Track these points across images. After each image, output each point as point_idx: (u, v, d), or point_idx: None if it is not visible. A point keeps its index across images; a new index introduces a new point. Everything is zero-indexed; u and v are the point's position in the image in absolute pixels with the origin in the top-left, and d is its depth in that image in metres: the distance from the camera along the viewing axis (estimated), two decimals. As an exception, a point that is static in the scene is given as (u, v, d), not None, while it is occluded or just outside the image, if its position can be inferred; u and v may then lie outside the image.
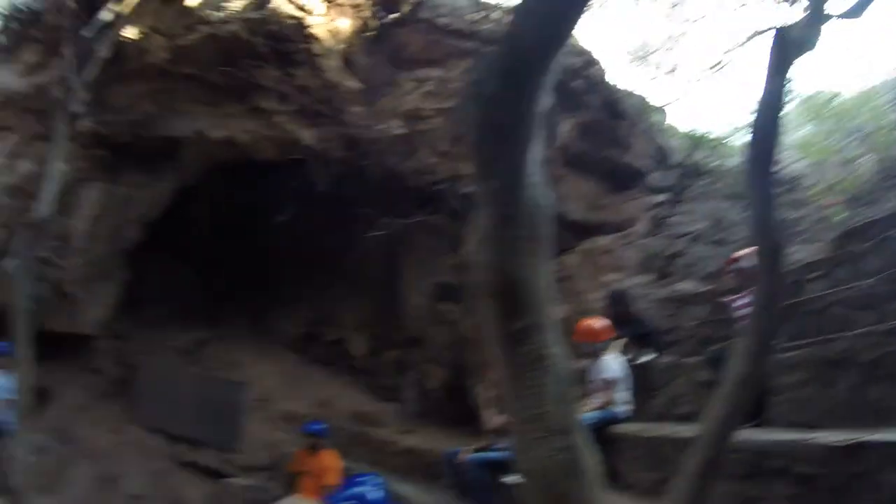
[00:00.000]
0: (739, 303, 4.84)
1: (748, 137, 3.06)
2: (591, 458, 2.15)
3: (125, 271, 8.40)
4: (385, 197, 8.62)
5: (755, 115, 2.58)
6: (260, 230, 9.74)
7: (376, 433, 8.22)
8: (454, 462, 5.71)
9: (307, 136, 8.27)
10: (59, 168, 6.80)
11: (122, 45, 7.54)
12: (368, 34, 8.55)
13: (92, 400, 8.04)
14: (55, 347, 7.83)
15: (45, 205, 6.53)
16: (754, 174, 2.51)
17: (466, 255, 8.92)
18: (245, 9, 7.92)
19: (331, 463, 6.32)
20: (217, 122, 8.15)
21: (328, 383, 9.21)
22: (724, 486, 2.67)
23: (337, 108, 8.33)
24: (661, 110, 10.78)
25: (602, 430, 4.90)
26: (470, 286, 7.94)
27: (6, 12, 10.72)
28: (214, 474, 7.51)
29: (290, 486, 6.47)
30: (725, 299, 5.46)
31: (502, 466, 5.23)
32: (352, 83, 8.40)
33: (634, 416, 5.34)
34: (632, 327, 6.42)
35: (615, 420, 5.22)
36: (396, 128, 8.47)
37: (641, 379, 5.66)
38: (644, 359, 6.14)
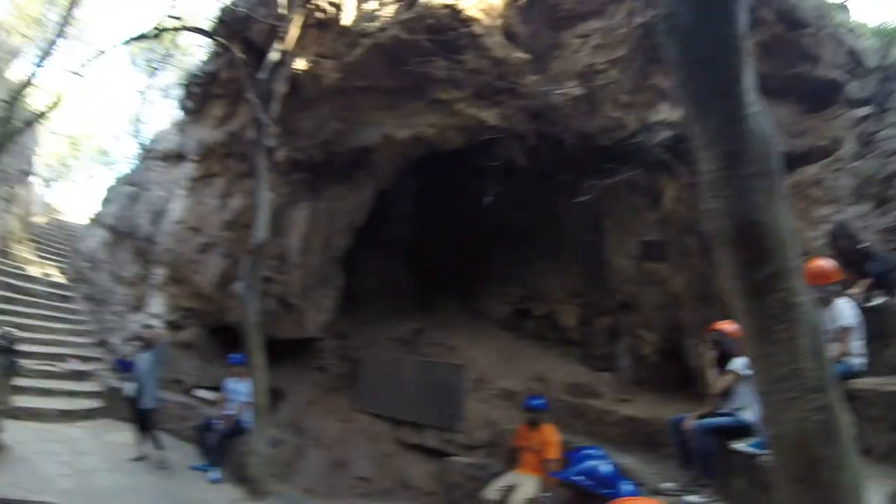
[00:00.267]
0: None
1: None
2: (845, 420, 2.00)
3: (340, 276, 9.32)
4: (578, 161, 8.19)
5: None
6: (462, 216, 9.95)
7: (592, 404, 7.95)
8: (679, 429, 5.39)
9: (489, 116, 8.14)
10: (266, 197, 7.79)
11: (296, 77, 8.27)
12: (520, 3, 8.05)
13: (321, 395, 9.18)
14: (284, 353, 9.14)
15: (260, 231, 7.53)
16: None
17: (667, 208, 8.39)
18: (398, 12, 8.04)
19: (551, 438, 6.38)
20: (401, 123, 8.47)
21: (542, 358, 9.12)
22: None
23: (511, 83, 8.03)
24: (843, 8, 8.50)
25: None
26: (699, 237, 7.37)
27: (187, 81, 12.76)
28: (436, 454, 8.05)
29: (511, 462, 6.69)
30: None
31: (730, 432, 5.06)
32: (519, 54, 8.01)
33: (869, 369, 4.85)
34: (860, 265, 5.77)
35: (851, 374, 4.70)
36: (574, 89, 7.91)
37: (874, 325, 5.09)
38: (876, 301, 5.59)
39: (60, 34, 9.50)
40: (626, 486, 2.28)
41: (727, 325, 5.41)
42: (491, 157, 8.33)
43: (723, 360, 5.43)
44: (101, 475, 7.12)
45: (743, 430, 5.00)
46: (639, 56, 7.58)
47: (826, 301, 4.91)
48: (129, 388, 7.77)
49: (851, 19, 8.63)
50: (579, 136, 8.07)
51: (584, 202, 7.93)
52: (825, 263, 5.15)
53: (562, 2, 7.95)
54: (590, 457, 2.44)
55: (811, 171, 7.27)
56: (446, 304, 10.00)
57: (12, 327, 8.24)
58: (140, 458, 7.74)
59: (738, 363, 5.16)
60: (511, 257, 9.92)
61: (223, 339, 9.81)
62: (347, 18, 8.18)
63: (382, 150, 8.63)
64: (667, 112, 7.73)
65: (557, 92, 7.90)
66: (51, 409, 8.95)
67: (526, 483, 6.19)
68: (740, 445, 4.79)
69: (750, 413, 4.99)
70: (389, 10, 8.08)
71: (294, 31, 8.02)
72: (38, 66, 9.04)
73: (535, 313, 9.93)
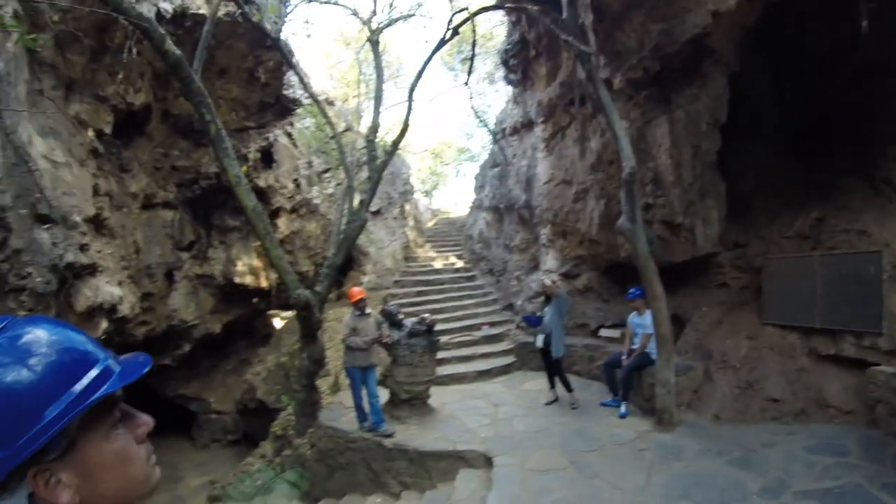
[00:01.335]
0: None
1: None
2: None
3: (721, 182, 8.50)
4: None
5: None
6: (836, 68, 8.04)
7: None
8: None
9: None
10: (620, 127, 7.61)
11: (595, 1, 7.79)
12: None
13: (725, 313, 8.47)
14: (682, 276, 8.78)
15: (628, 161, 7.38)
16: None
17: None
18: None
19: None
20: None
21: None
22: None
23: None
24: None
25: None
26: None
27: (503, 58, 12.99)
28: (857, 364, 6.75)
29: None
30: None
31: None
32: None
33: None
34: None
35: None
36: None
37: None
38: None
39: (379, 79, 10.95)
40: None
41: None
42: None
43: None
44: (517, 421, 7.98)
45: None
46: None
47: None
48: (537, 340, 8.47)
49: None
50: None
51: None
52: None
53: None
54: None
55: None
56: (844, 182, 8.14)
57: (428, 312, 9.67)
58: (552, 402, 8.49)
59: None
60: None
61: (619, 277, 10.02)
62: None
63: (715, 30, 7.48)
64: None
65: None
66: (470, 372, 10.52)
67: None
68: None
69: None
70: None
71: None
72: (377, 111, 10.58)
73: None
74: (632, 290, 8.13)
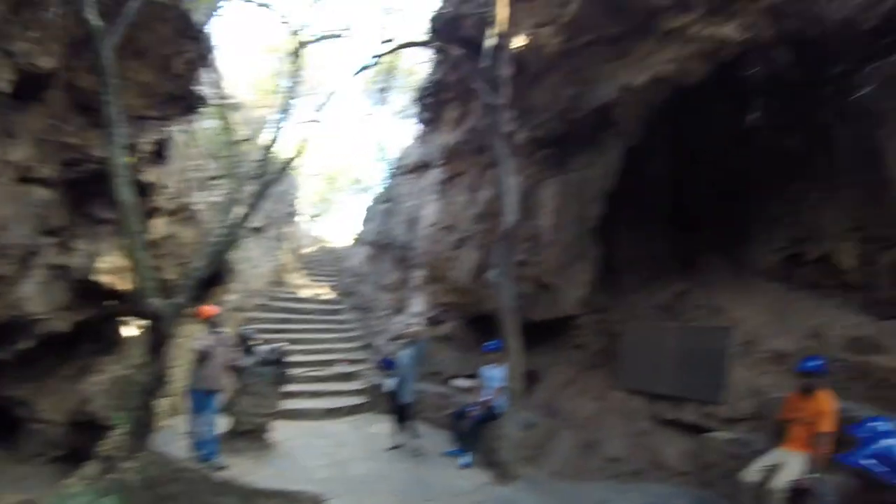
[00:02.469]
0: None
1: None
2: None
3: (595, 248, 8.91)
4: (842, 57, 6.88)
5: None
6: (722, 159, 8.91)
7: (877, 362, 6.52)
8: None
9: (729, 31, 7.01)
10: (511, 182, 7.83)
11: (519, 56, 8.19)
12: None
13: (577, 374, 8.82)
14: (542, 334, 8.99)
15: (509, 216, 7.58)
16: None
17: None
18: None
19: (826, 406, 5.38)
20: (636, 69, 7.77)
21: (817, 310, 7.66)
22: None
23: None
24: None
25: None
26: None
27: (419, 95, 13.33)
28: (695, 430, 7.26)
29: (777, 436, 5.76)
30: None
31: None
32: None
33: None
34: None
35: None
36: None
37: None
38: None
39: (292, 96, 10.69)
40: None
41: None
42: (742, 83, 7.21)
43: None
44: (357, 464, 7.76)
45: None
46: None
47: None
48: (389, 383, 8.37)
49: None
50: (837, 24, 6.64)
51: (858, 108, 6.76)
52: None
53: None
54: (880, 432, 1.74)
55: None
56: (709, 261, 8.92)
57: (286, 342, 9.29)
58: (395, 447, 8.32)
59: None
60: (777, 195, 8.56)
61: (481, 328, 10.08)
62: (552, -21, 7.82)
63: (622, 103, 8.02)
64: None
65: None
66: (318, 409, 10.13)
67: (792, 461, 5.27)
68: None
69: None
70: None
71: (503, 12, 7.94)
72: (279, 126, 10.33)
73: (808, 257, 8.41)
74: (489, 343, 8.21)
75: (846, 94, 6.06)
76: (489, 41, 7.94)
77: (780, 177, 8.44)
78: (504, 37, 7.94)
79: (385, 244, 14.92)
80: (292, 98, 10.62)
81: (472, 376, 9.70)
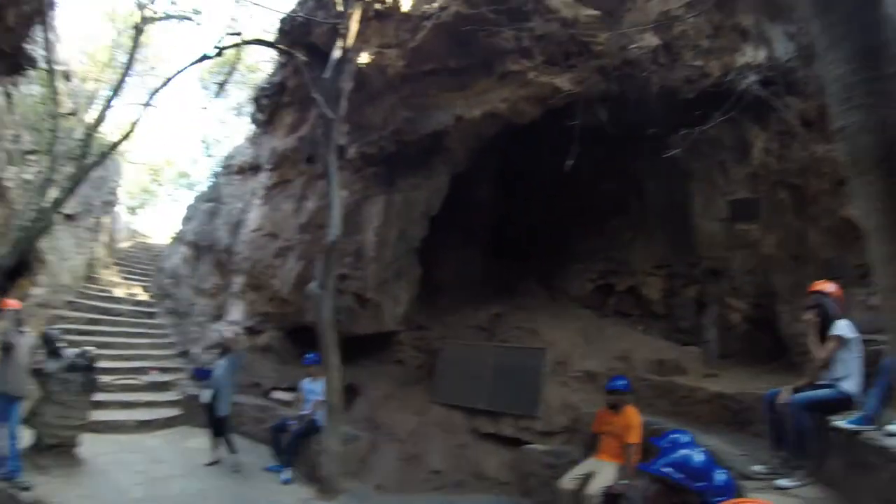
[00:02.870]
0: None
1: None
2: None
3: (417, 267, 9.20)
4: (661, 119, 7.64)
5: None
6: (543, 193, 9.76)
7: (678, 382, 7.50)
8: (774, 405, 4.82)
9: (563, 82, 7.73)
10: (338, 196, 7.75)
11: (362, 72, 8.24)
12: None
13: (398, 389, 9.04)
14: (363, 348, 9.05)
15: (333, 229, 7.49)
16: None
17: (757, 161, 7.87)
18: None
19: (633, 420, 6.01)
20: (472, 102, 8.22)
21: (625, 335, 8.73)
22: None
23: (583, 43, 7.64)
24: None
25: None
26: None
27: (257, 95, 13.01)
28: (513, 443, 7.77)
29: (590, 448, 6.34)
30: None
31: (829, 406, 4.52)
32: (588, 12, 7.60)
33: None
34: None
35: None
36: (650, 40, 7.47)
37: None
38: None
39: (127, 73, 10.01)
40: (720, 476, 1.92)
41: (827, 286, 4.91)
42: (569, 127, 7.99)
43: (824, 325, 4.79)
44: (174, 482, 7.24)
45: (843, 404, 4.46)
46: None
47: None
48: (204, 395, 7.92)
49: None
50: (661, 92, 7.66)
51: (670, 164, 7.44)
52: None
53: (629, -53, 7.47)
54: (678, 443, 2.06)
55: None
56: (527, 287, 9.74)
57: (96, 346, 8.42)
58: (214, 463, 7.86)
59: (841, 326, 4.63)
60: (594, 231, 9.65)
61: (301, 340, 9.86)
62: (407, 4, 8.03)
63: (455, 132, 8.42)
64: (751, 54, 7.36)
65: (633, 46, 7.46)
66: (130, 421, 9.23)
67: (604, 470, 5.83)
68: (840, 422, 4.24)
69: (852, 383, 4.49)
70: (450, -14, 7.82)
71: (354, 27, 7.99)
72: (109, 104, 9.49)
73: (618, 288, 9.57)
74: (309, 356, 8.08)
75: (660, 152, 6.97)
76: (336, 53, 7.88)
77: (597, 215, 9.44)
78: (351, 51, 7.96)
79: (206, 245, 13.89)
80: (127, 76, 9.63)
81: (291, 389, 9.40)
